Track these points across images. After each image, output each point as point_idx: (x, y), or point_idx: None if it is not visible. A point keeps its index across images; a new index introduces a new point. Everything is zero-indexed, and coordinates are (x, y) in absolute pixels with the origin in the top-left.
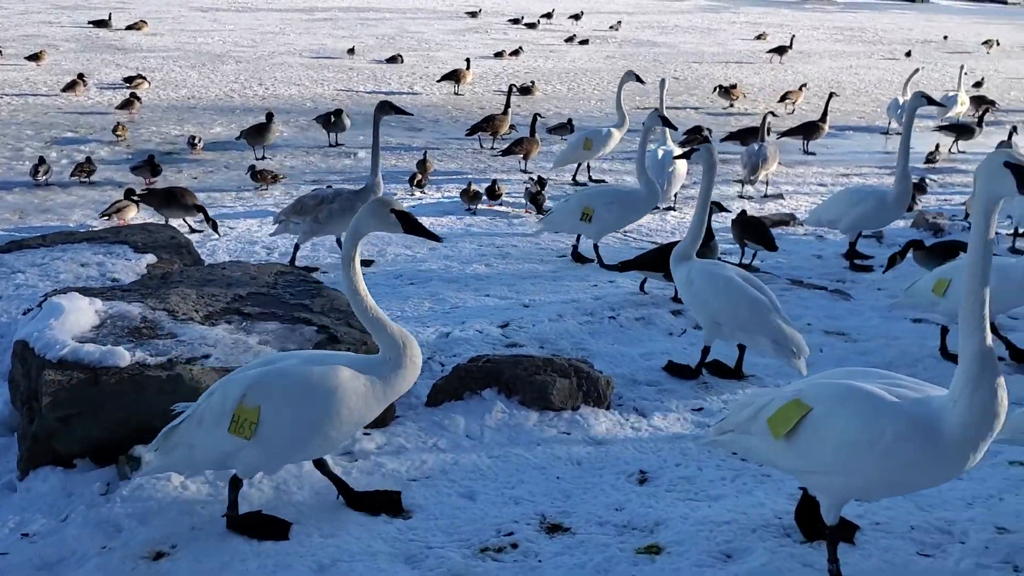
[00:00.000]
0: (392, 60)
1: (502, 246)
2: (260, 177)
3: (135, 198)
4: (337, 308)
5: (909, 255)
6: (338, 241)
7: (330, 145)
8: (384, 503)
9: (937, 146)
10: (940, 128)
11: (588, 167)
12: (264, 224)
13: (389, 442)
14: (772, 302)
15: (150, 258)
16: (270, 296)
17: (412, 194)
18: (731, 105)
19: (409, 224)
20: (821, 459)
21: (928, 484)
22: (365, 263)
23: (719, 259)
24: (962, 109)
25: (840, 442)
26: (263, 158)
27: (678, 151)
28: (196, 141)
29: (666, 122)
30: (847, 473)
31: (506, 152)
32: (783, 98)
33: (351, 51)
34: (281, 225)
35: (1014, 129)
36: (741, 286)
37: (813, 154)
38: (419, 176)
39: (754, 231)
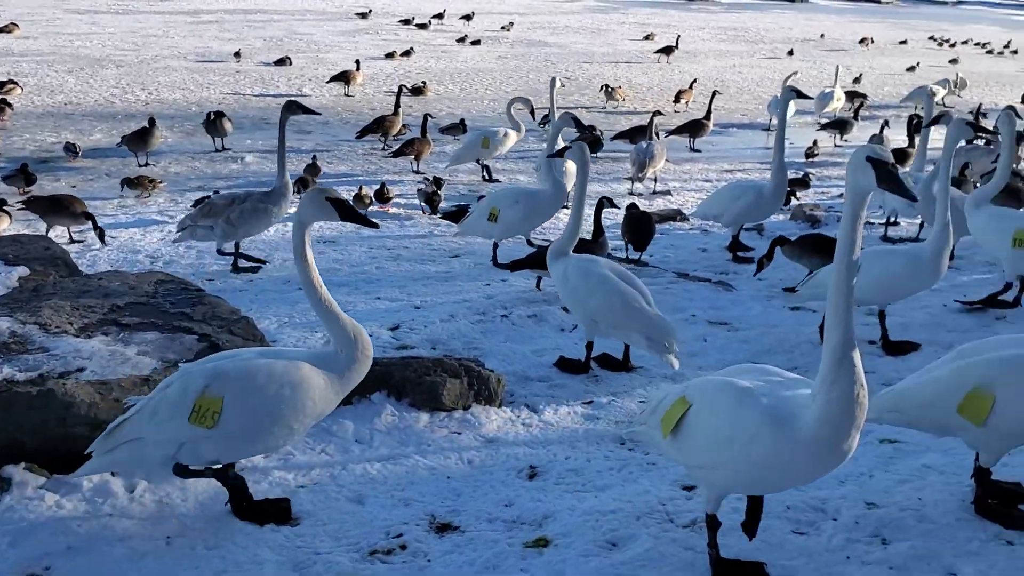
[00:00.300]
0: (280, 62)
1: (393, 248)
2: (136, 184)
3: (16, 205)
4: (219, 316)
5: (778, 251)
6: (219, 251)
7: (216, 150)
8: (272, 512)
9: (815, 141)
10: (823, 126)
11: (487, 167)
12: (147, 232)
13: (277, 452)
14: (645, 297)
15: (22, 270)
16: (149, 306)
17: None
18: (616, 105)
19: (345, 212)
20: (694, 454)
21: (796, 481)
22: (260, 262)
23: (609, 255)
24: (838, 105)
25: (708, 438)
26: (146, 164)
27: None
28: (75, 148)
29: (578, 123)
30: (718, 468)
31: (397, 153)
32: (678, 97)
33: (237, 54)
34: (187, 231)
35: (886, 123)
36: (614, 282)
37: (699, 151)
38: (309, 180)
39: (629, 229)
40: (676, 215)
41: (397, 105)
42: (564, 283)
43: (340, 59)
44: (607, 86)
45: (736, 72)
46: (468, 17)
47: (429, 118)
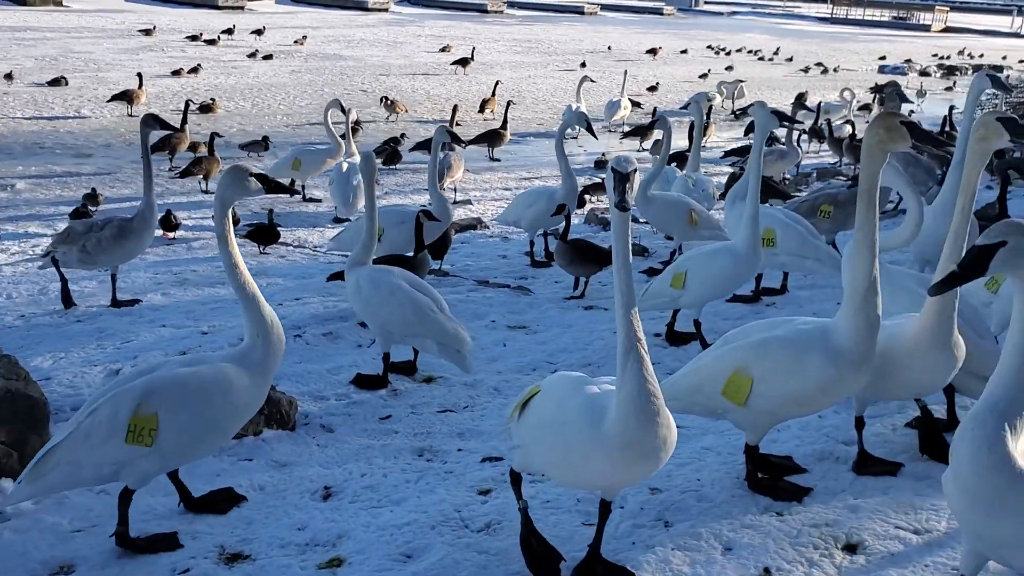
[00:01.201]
0: (55, 83)
1: (179, 272)
2: None
3: None
4: None
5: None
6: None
7: None
8: (161, 542)
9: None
10: (625, 135)
11: (303, 186)
12: None
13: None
14: (437, 303)
15: None
16: None
17: None
18: (396, 117)
19: (270, 184)
20: (523, 432)
21: (597, 478)
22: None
23: (432, 271)
24: (625, 113)
25: (532, 422)
26: None
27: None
28: None
29: (454, 138)
30: (532, 448)
31: (185, 173)
32: (482, 107)
33: (8, 76)
34: (48, 257)
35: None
36: (406, 290)
37: (498, 160)
38: (90, 208)
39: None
40: (477, 223)
41: (184, 122)
42: (357, 294)
43: (122, 78)
44: (386, 98)
45: (531, 83)
46: (259, 32)
47: (217, 136)
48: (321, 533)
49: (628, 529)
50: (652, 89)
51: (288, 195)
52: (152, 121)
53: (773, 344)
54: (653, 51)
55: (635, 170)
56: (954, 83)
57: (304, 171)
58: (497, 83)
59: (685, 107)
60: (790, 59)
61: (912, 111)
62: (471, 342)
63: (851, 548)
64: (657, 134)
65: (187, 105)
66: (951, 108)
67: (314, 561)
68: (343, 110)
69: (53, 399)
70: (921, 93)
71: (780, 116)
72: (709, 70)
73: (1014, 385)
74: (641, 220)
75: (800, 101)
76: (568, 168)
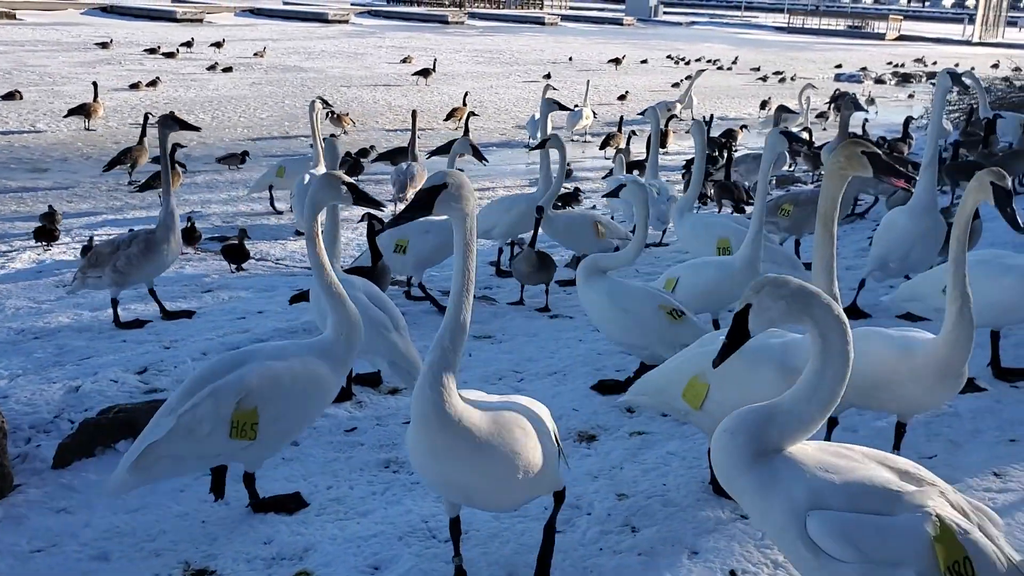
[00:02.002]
0: (8, 97)
1: (138, 287)
2: None
3: None
4: None
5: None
6: (114, 299)
7: None
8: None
9: (568, 164)
10: (603, 145)
11: (273, 198)
12: None
13: (7, 515)
14: (394, 322)
15: None
16: None
17: (46, 248)
18: (344, 132)
19: (359, 195)
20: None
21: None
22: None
23: (394, 282)
24: (587, 122)
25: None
26: None
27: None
28: None
29: (476, 152)
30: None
31: (144, 187)
32: (450, 115)
33: None
34: (77, 281)
35: (633, 134)
36: (363, 306)
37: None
38: (47, 228)
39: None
40: None
41: (143, 135)
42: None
43: (79, 92)
44: (332, 112)
45: (493, 93)
46: (219, 44)
47: (179, 148)
48: (287, 547)
49: (595, 535)
50: (622, 98)
51: (374, 208)
52: (171, 121)
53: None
54: (616, 60)
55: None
56: (912, 93)
57: (289, 179)
58: (467, 93)
59: (642, 114)
60: (757, 69)
61: (867, 119)
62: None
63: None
64: (621, 143)
65: (146, 118)
66: (908, 119)
67: (281, 575)
68: (326, 104)
69: (11, 417)
70: (870, 101)
71: (790, 138)
72: (683, 79)
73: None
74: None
75: (785, 110)
76: (549, 170)
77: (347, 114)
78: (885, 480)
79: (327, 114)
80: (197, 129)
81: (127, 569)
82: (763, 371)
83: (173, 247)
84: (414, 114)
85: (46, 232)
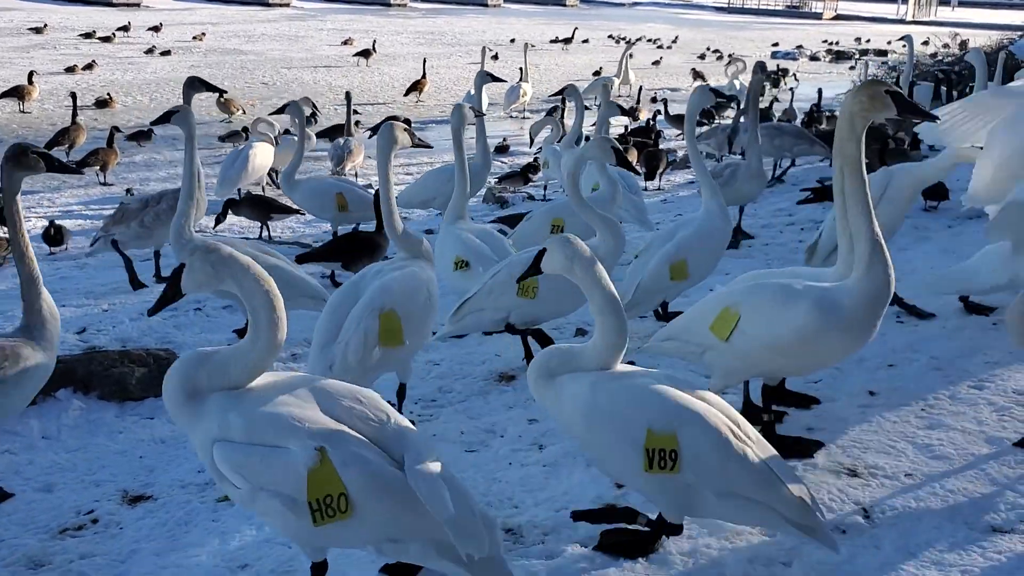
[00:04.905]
0: None
1: (78, 256)
2: None
3: None
4: None
5: None
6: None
7: None
8: None
9: (504, 139)
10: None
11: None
12: None
13: None
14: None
15: None
16: None
17: None
18: (231, 117)
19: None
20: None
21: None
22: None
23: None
24: (525, 99)
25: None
26: None
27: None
28: None
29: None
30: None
31: (81, 164)
32: (410, 90)
33: None
34: (100, 241)
35: (555, 111)
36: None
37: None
38: None
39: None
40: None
41: (75, 115)
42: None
43: (13, 75)
44: (220, 97)
45: (435, 73)
46: (156, 29)
47: (117, 131)
48: None
49: (506, 453)
50: (596, 74)
51: (428, 149)
52: (197, 84)
53: (769, 286)
54: (568, 40)
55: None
56: (844, 71)
57: (279, 159)
58: (425, 60)
59: (558, 94)
60: (712, 50)
61: (792, 88)
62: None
63: None
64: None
65: (74, 97)
66: (819, 90)
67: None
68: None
69: None
70: (783, 73)
71: (716, 94)
72: (630, 55)
73: None
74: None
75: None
76: (486, 143)
77: (234, 99)
78: (294, 416)
79: (217, 100)
80: (223, 92)
81: (69, 498)
82: (798, 306)
83: (199, 211)
84: (348, 95)
85: None
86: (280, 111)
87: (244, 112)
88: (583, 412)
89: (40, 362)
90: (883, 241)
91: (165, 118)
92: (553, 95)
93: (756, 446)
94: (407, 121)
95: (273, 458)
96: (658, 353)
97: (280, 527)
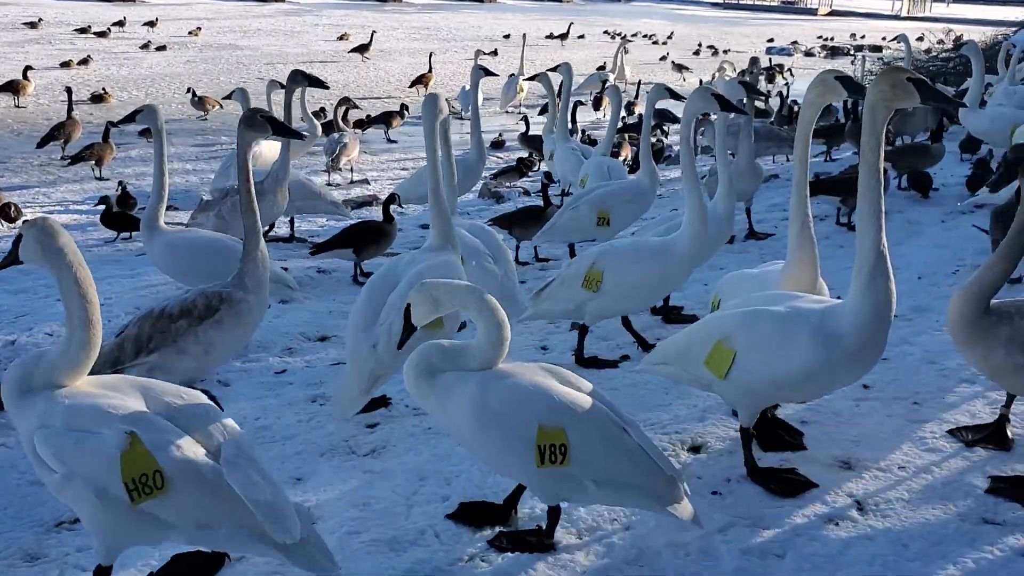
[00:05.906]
0: None
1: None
2: None
3: None
4: None
5: None
6: None
7: None
8: None
9: (500, 134)
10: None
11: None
12: None
13: None
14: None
15: None
16: None
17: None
18: (206, 115)
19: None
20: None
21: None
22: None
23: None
24: (522, 95)
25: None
26: None
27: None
28: None
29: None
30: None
31: (76, 159)
32: (416, 83)
33: None
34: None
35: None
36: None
37: (395, 142)
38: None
39: None
40: (372, 200)
41: (70, 108)
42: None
43: (8, 70)
44: (194, 94)
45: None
46: (152, 24)
47: (112, 126)
48: None
49: None
50: (553, 70)
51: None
52: (300, 77)
53: (763, 317)
54: (564, 36)
55: None
56: (842, 67)
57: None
58: (432, 54)
59: (533, 78)
60: (707, 46)
61: (788, 82)
62: None
63: (695, 449)
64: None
65: (69, 92)
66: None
67: None
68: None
69: None
70: (777, 69)
71: (720, 100)
72: (625, 51)
73: None
74: None
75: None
76: (480, 137)
77: (209, 96)
78: (112, 405)
79: (191, 99)
80: (325, 86)
81: None
82: (798, 338)
83: (279, 200)
84: (347, 99)
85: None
86: (228, 96)
87: (222, 107)
88: (474, 414)
89: (252, 303)
90: (887, 253)
91: (131, 117)
92: (550, 70)
93: (632, 430)
94: (404, 107)
95: (87, 442)
96: (656, 375)
97: (86, 517)
